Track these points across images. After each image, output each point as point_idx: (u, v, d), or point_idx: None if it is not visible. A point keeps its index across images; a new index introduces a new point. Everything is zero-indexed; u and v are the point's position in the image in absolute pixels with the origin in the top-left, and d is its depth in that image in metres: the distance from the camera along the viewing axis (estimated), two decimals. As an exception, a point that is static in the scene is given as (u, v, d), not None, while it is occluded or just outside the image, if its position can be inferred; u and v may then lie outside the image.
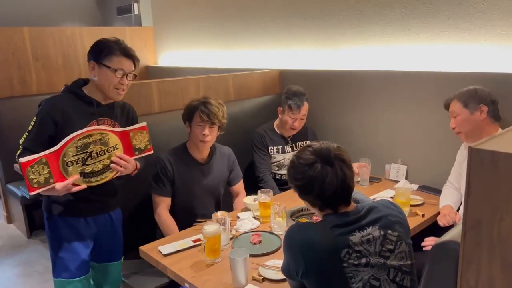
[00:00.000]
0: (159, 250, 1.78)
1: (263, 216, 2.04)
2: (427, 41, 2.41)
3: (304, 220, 2.03)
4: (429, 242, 1.87)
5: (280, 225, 1.90)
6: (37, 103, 1.75)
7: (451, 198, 2.11)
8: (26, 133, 1.69)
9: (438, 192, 2.24)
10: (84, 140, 1.64)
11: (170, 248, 1.78)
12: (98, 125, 1.74)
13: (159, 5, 4.60)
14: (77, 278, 1.83)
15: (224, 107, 2.16)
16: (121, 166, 1.73)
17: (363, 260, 1.22)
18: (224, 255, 1.68)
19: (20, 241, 3.54)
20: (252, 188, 2.47)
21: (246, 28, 3.56)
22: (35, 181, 1.54)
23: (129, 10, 5.97)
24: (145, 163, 1.91)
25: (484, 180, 0.71)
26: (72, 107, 1.72)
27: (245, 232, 1.92)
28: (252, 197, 2.20)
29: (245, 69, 3.24)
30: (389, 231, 1.28)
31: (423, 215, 2.05)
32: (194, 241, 1.83)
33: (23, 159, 1.51)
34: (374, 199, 2.11)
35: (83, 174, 1.67)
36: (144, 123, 1.80)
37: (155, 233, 2.20)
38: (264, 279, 1.54)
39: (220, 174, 2.26)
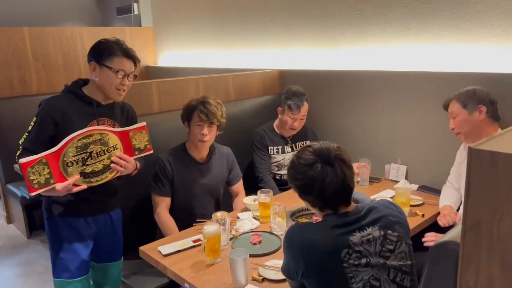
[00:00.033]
0: (159, 250, 1.78)
1: (263, 216, 2.04)
2: (427, 41, 2.41)
3: (304, 220, 2.03)
4: (429, 237, 1.87)
5: (280, 225, 1.90)
6: (37, 103, 1.75)
7: (451, 198, 2.11)
8: (26, 134, 1.69)
9: (438, 192, 2.24)
10: (84, 140, 1.64)
11: (170, 248, 1.78)
12: (98, 125, 1.74)
13: (159, 5, 4.60)
14: (77, 278, 1.83)
15: (223, 106, 2.16)
16: (121, 166, 1.73)
17: (363, 260, 1.22)
18: (224, 255, 1.68)
19: (20, 241, 3.54)
20: (252, 188, 2.47)
21: (246, 28, 3.56)
22: (35, 181, 1.54)
23: (129, 10, 5.97)
24: (144, 163, 1.91)
25: (484, 181, 0.71)
26: (72, 107, 1.72)
27: (245, 232, 1.92)
28: (252, 197, 2.20)
29: (245, 69, 3.24)
30: (389, 231, 1.29)
31: (423, 215, 2.05)
32: (194, 241, 1.83)
33: (23, 160, 1.51)
34: (374, 199, 2.11)
35: (83, 174, 1.67)
36: (144, 123, 1.81)
37: (155, 233, 2.20)
38: (264, 279, 1.54)
39: (220, 174, 2.26)
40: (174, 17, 4.39)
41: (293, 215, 2.04)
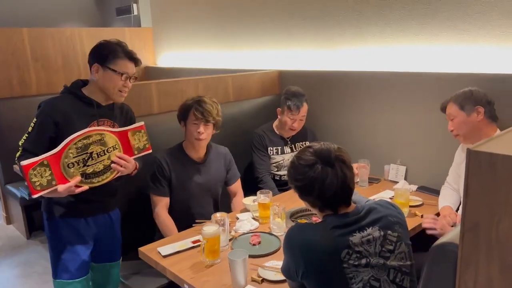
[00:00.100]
0: (158, 251, 1.78)
1: (262, 217, 2.04)
2: (426, 42, 2.41)
3: (303, 221, 2.03)
4: (428, 220, 1.89)
5: (280, 226, 1.90)
6: (37, 104, 1.75)
7: (450, 199, 2.11)
8: (26, 135, 1.69)
9: (437, 193, 2.25)
10: (84, 141, 1.64)
11: (169, 249, 1.78)
12: (98, 126, 1.74)
13: (158, 6, 4.60)
14: (77, 279, 1.83)
15: (219, 105, 2.17)
16: (121, 166, 1.74)
17: (363, 261, 1.22)
18: (223, 256, 1.68)
19: (19, 242, 3.54)
20: (251, 189, 2.47)
21: (245, 29, 3.56)
22: (37, 183, 1.55)
23: (128, 11, 5.97)
24: (143, 163, 1.92)
25: (482, 182, 0.71)
26: (72, 108, 1.72)
27: (244, 233, 1.92)
28: (252, 198, 2.20)
29: (244, 70, 3.25)
30: (389, 232, 1.29)
31: (422, 216, 2.05)
32: (194, 242, 1.83)
33: (24, 162, 1.52)
34: (374, 199, 2.11)
35: (84, 175, 1.67)
36: (142, 123, 1.81)
37: (154, 233, 2.20)
38: (263, 280, 1.54)
39: (217, 173, 2.27)
40: (174, 18, 4.39)
41: (293, 215, 2.05)
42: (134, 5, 5.77)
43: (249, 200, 2.20)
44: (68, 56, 4.10)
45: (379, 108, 2.62)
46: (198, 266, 1.67)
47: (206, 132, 2.10)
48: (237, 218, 2.08)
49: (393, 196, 2.18)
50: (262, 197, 2.05)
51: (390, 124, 2.59)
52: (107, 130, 1.71)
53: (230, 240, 1.84)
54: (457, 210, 2.06)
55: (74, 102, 1.73)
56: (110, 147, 1.72)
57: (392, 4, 2.53)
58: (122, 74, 1.72)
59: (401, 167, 2.55)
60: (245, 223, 1.99)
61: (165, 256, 1.74)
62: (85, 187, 1.67)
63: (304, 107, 2.59)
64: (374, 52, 2.68)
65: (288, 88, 2.65)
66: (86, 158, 1.66)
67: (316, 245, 1.24)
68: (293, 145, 2.74)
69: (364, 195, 2.26)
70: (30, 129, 1.69)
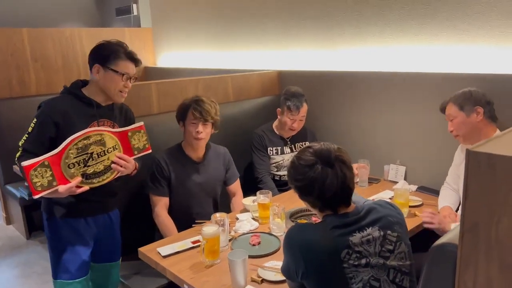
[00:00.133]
0: (158, 252, 1.78)
1: (262, 217, 2.05)
2: (426, 42, 2.41)
3: (303, 221, 2.03)
4: (426, 214, 1.90)
5: (279, 226, 1.90)
6: (36, 104, 1.75)
7: (449, 199, 2.11)
8: (26, 135, 1.69)
9: (436, 193, 2.25)
10: (84, 141, 1.65)
11: (169, 249, 1.79)
12: (98, 126, 1.74)
13: (158, 6, 4.60)
14: (77, 279, 1.84)
15: (217, 104, 2.17)
16: (121, 166, 1.74)
17: (363, 261, 1.23)
18: (223, 256, 1.68)
19: (19, 242, 3.54)
20: (251, 189, 2.47)
21: (245, 29, 3.56)
22: (38, 184, 1.55)
23: (128, 11, 5.98)
24: (142, 163, 1.92)
25: (482, 183, 0.71)
26: (72, 109, 1.72)
27: (244, 234, 1.92)
28: (251, 198, 2.21)
29: (244, 70, 3.25)
30: (389, 232, 1.29)
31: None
32: (193, 242, 1.83)
33: (25, 163, 1.52)
34: (373, 199, 2.11)
35: (85, 176, 1.68)
36: (141, 123, 1.82)
37: (154, 234, 2.20)
38: (263, 280, 1.54)
39: (216, 173, 2.27)
40: (173, 18, 4.39)
41: (292, 216, 2.05)
42: (134, 5, 5.77)
43: (248, 201, 2.20)
44: (68, 56, 4.10)
45: (378, 108, 2.63)
46: (198, 266, 1.67)
47: (204, 132, 2.11)
48: (237, 219, 2.08)
49: (392, 196, 2.18)
50: (261, 197, 2.05)
51: (389, 124, 2.59)
52: (107, 131, 1.72)
53: (229, 240, 1.84)
54: (456, 210, 2.06)
55: (74, 103, 1.74)
56: (110, 148, 1.72)
57: (391, 4, 2.53)
58: (123, 75, 1.73)
59: (400, 167, 2.55)
60: (245, 223, 1.99)
61: (165, 257, 1.75)
62: (86, 188, 1.67)
63: (304, 108, 2.59)
64: (373, 52, 2.68)
65: (287, 89, 2.65)
66: (86, 159, 1.66)
67: (316, 245, 1.24)
68: (292, 145, 2.74)
69: (364, 195, 2.26)
70: (30, 129, 1.69)
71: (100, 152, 1.69)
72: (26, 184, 3.23)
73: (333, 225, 1.26)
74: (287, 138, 2.73)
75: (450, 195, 2.14)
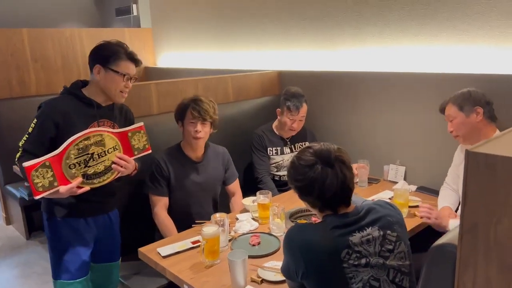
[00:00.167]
0: (158, 252, 1.78)
1: (262, 218, 2.05)
2: (425, 42, 2.41)
3: (303, 221, 2.03)
4: (423, 208, 1.93)
5: (279, 227, 1.90)
6: (36, 104, 1.76)
7: (449, 199, 2.11)
8: (26, 135, 1.69)
9: (436, 193, 2.25)
10: (85, 142, 1.65)
11: (169, 249, 1.79)
12: (98, 126, 1.75)
13: (158, 6, 4.60)
14: (77, 280, 1.84)
15: (215, 104, 2.18)
16: (121, 167, 1.75)
17: (363, 261, 1.23)
18: (223, 256, 1.68)
19: (19, 242, 3.54)
20: (251, 189, 2.47)
21: (245, 29, 3.56)
22: (39, 184, 1.55)
23: (128, 11, 5.98)
24: (142, 164, 1.92)
25: (481, 183, 0.71)
26: (72, 109, 1.72)
27: (244, 234, 1.92)
28: (251, 198, 2.21)
29: (243, 70, 3.25)
30: (388, 231, 1.29)
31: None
32: (193, 242, 1.83)
33: (27, 164, 1.52)
34: (373, 199, 2.11)
35: (86, 176, 1.68)
36: (141, 123, 1.82)
37: (154, 234, 2.20)
38: (263, 280, 1.54)
39: (216, 173, 2.27)
40: (173, 18, 4.39)
41: (292, 216, 2.05)
42: (134, 6, 5.77)
43: (248, 201, 2.20)
44: (68, 56, 4.10)
45: (378, 109, 2.63)
46: (198, 266, 1.67)
47: (203, 131, 2.11)
48: (237, 219, 2.08)
49: (392, 197, 2.18)
50: (261, 197, 2.05)
51: (389, 124, 2.59)
52: (108, 131, 1.72)
53: (229, 240, 1.85)
54: (456, 210, 2.06)
55: (74, 103, 1.74)
56: (110, 148, 1.72)
57: (391, 4, 2.53)
58: (124, 75, 1.74)
59: (400, 167, 2.55)
60: (245, 223, 1.99)
61: (164, 257, 1.75)
62: (87, 188, 1.68)
63: (304, 108, 2.59)
64: (373, 53, 2.68)
65: (287, 89, 2.65)
66: (87, 159, 1.66)
67: (316, 245, 1.24)
68: (292, 146, 2.74)
69: (364, 195, 2.26)
70: (30, 129, 1.69)
71: (101, 153, 1.70)
72: (26, 184, 3.26)
73: (333, 225, 1.27)
74: (287, 139, 2.73)
75: (449, 195, 2.14)
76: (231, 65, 3.73)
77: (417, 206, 2.16)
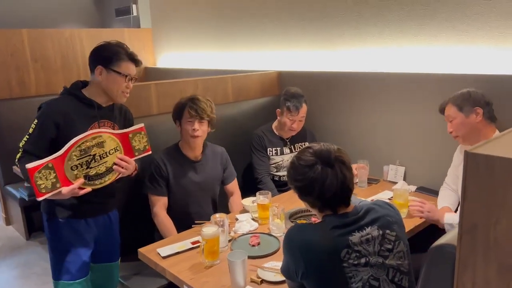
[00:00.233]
0: (157, 252, 1.78)
1: (261, 218, 2.05)
2: (425, 43, 2.42)
3: (302, 221, 2.04)
4: (415, 203, 1.96)
5: (279, 227, 1.91)
6: (36, 105, 1.76)
7: (449, 199, 2.11)
8: (27, 136, 1.69)
9: (436, 193, 2.25)
10: (87, 143, 1.65)
11: (168, 250, 1.79)
12: (99, 127, 1.75)
13: (158, 7, 4.60)
14: (78, 280, 1.84)
15: (212, 103, 2.19)
16: (122, 168, 1.75)
17: (363, 260, 1.23)
18: (222, 257, 1.68)
19: (18, 243, 3.54)
20: (250, 189, 2.48)
21: (245, 30, 3.57)
22: (42, 186, 1.55)
23: (127, 12, 5.97)
24: (141, 164, 1.92)
25: (480, 184, 0.71)
26: (73, 109, 1.72)
27: (243, 234, 1.93)
28: (251, 199, 2.21)
29: (243, 71, 3.25)
30: (388, 231, 1.30)
31: (421, 217, 2.05)
32: (193, 243, 1.84)
33: (30, 165, 1.52)
34: (372, 200, 2.11)
35: (87, 177, 1.68)
36: (142, 124, 1.82)
37: (153, 234, 2.20)
38: (262, 281, 1.54)
39: (214, 172, 2.28)
40: (173, 19, 4.39)
41: (292, 216, 2.05)
42: (134, 6, 5.77)
43: (248, 201, 2.20)
44: (68, 56, 4.10)
45: (378, 109, 2.63)
46: (198, 267, 1.67)
47: (201, 129, 2.12)
48: (237, 219, 2.09)
49: (392, 197, 2.18)
50: (261, 198, 2.06)
51: (389, 124, 2.60)
52: (109, 132, 1.72)
53: (229, 241, 1.85)
54: (456, 211, 2.07)
55: (74, 104, 1.74)
56: (112, 149, 1.73)
57: (391, 5, 2.54)
58: (126, 76, 1.74)
59: (400, 167, 2.55)
60: (245, 224, 2.00)
61: (164, 257, 1.75)
62: (88, 189, 1.68)
63: (303, 108, 2.59)
64: (373, 53, 2.69)
65: (287, 89, 2.65)
66: (89, 160, 1.66)
67: (315, 245, 1.24)
68: (292, 146, 2.74)
69: (363, 195, 2.27)
70: (31, 130, 1.69)
71: (102, 154, 1.70)
72: (26, 184, 3.26)
73: (333, 225, 1.27)
74: (287, 139, 2.73)
75: (449, 195, 2.14)
76: (231, 66, 3.73)
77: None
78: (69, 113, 1.71)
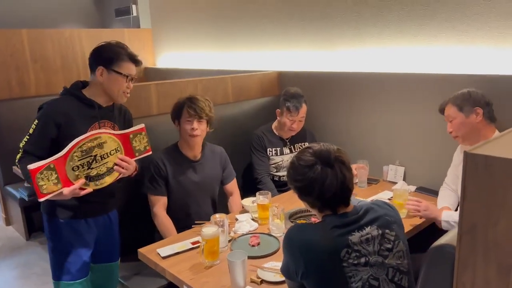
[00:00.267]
0: (157, 252, 1.78)
1: (261, 218, 2.05)
2: (425, 43, 2.42)
3: (302, 221, 2.04)
4: (411, 202, 1.96)
5: (279, 227, 1.91)
6: (36, 105, 1.76)
7: (448, 200, 2.12)
8: (27, 136, 1.69)
9: (435, 193, 2.25)
10: (89, 144, 1.65)
11: (168, 250, 1.79)
12: (99, 127, 1.75)
13: (158, 7, 4.60)
14: (78, 281, 1.84)
15: (211, 102, 2.19)
16: (123, 168, 1.75)
17: (362, 260, 1.23)
18: (222, 257, 1.68)
19: (18, 243, 3.54)
20: (250, 190, 2.48)
21: (245, 30, 3.57)
22: (44, 187, 1.55)
23: (127, 12, 5.98)
24: (141, 164, 1.93)
25: (479, 185, 0.71)
26: (73, 110, 1.73)
27: (243, 234, 1.93)
28: (251, 199, 2.21)
29: (243, 71, 3.25)
30: (387, 231, 1.30)
31: (420, 217, 2.05)
32: (193, 243, 1.84)
33: (31, 166, 1.52)
34: (372, 200, 2.11)
35: (88, 178, 1.69)
36: (142, 125, 1.82)
37: (153, 235, 2.20)
38: (262, 281, 1.54)
39: (213, 172, 2.28)
40: (173, 19, 4.39)
41: (292, 216, 2.05)
42: (133, 6, 5.77)
43: (248, 201, 2.20)
44: (67, 57, 4.10)
45: (377, 109, 2.63)
46: (198, 267, 1.67)
47: (200, 128, 2.12)
48: (236, 219, 2.09)
49: (391, 197, 2.18)
50: (261, 198, 2.06)
51: (389, 125, 2.60)
52: (110, 133, 1.72)
53: (229, 241, 1.85)
54: (455, 211, 2.07)
55: (75, 104, 1.74)
56: (112, 150, 1.73)
57: (390, 5, 2.54)
58: (126, 76, 1.75)
59: (399, 167, 2.55)
60: (244, 224, 2.00)
61: (164, 257, 1.75)
62: (89, 190, 1.68)
63: (303, 108, 2.59)
64: (372, 53, 2.69)
65: (287, 89, 2.65)
66: (90, 161, 1.67)
67: (315, 245, 1.24)
68: (292, 146, 2.74)
69: (363, 196, 2.28)
70: (31, 130, 1.69)
71: (103, 155, 1.70)
72: (26, 185, 3.26)
73: (332, 225, 1.27)
74: (287, 139, 2.73)
75: (449, 195, 2.14)
76: (231, 66, 3.73)
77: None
78: (70, 113, 1.71)
